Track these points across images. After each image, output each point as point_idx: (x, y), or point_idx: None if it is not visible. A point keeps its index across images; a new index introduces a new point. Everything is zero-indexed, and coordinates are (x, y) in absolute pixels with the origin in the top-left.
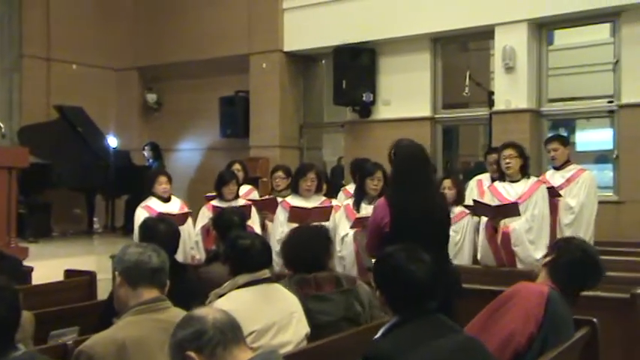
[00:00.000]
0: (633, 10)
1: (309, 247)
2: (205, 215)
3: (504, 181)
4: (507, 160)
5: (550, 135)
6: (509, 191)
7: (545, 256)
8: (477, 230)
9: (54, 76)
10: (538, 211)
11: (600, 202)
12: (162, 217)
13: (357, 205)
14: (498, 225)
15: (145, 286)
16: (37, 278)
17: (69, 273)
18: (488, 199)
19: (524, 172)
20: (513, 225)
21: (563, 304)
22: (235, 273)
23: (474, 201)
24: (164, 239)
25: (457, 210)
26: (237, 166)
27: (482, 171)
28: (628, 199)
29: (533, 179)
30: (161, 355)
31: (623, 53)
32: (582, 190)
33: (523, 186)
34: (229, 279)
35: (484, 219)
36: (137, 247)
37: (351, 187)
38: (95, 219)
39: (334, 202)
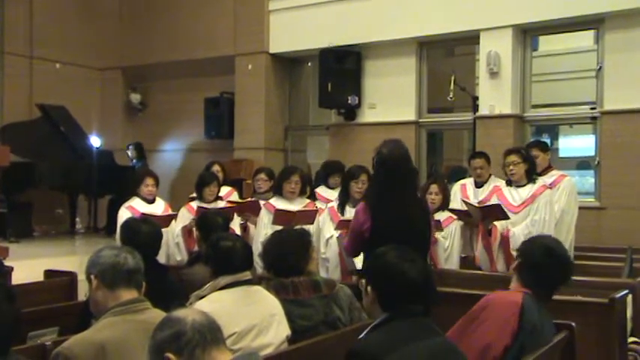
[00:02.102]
0: (617, 17)
1: (286, 252)
2: (185, 216)
3: (511, 185)
4: (511, 167)
5: (530, 141)
6: (514, 196)
7: (513, 263)
8: (461, 234)
9: (37, 75)
10: (539, 217)
11: (581, 208)
12: (144, 218)
13: (341, 208)
14: (489, 227)
15: (122, 288)
16: (17, 278)
17: (49, 273)
18: (494, 201)
19: (529, 177)
20: (513, 229)
21: (538, 310)
22: (217, 274)
23: (464, 202)
24: (146, 240)
25: (445, 215)
26: (216, 167)
27: (462, 175)
28: (609, 205)
29: (538, 184)
30: (141, 356)
31: (606, 60)
32: (563, 196)
33: (528, 191)
34: (211, 280)
35: (460, 222)
36: (111, 249)
37: (322, 190)
38: (77, 219)
39: (318, 204)
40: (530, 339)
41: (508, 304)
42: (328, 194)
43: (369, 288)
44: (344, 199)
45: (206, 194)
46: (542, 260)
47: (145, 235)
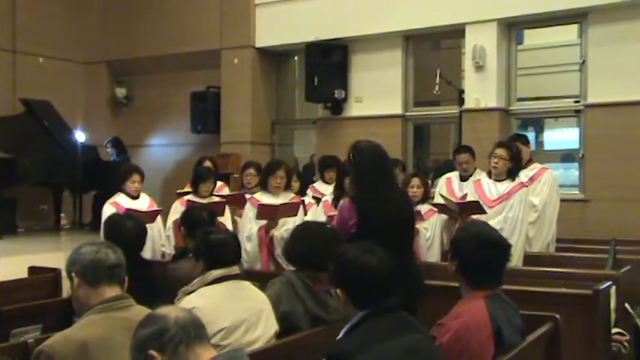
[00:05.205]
0: (600, 11)
1: (323, 246)
2: (178, 210)
3: (491, 178)
4: (496, 160)
5: (511, 135)
6: (491, 189)
7: (451, 264)
8: (445, 227)
9: (20, 69)
10: (513, 214)
11: (566, 200)
12: (128, 214)
13: (336, 203)
14: (466, 221)
15: (105, 284)
16: (1, 275)
17: (33, 270)
18: (471, 193)
19: (510, 174)
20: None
21: (502, 307)
22: (208, 268)
23: (442, 196)
24: (130, 236)
25: (426, 208)
26: (207, 163)
27: (451, 169)
28: (593, 197)
29: (516, 181)
30: (124, 354)
31: (590, 54)
32: (545, 189)
33: (505, 186)
34: (197, 276)
35: (444, 216)
36: (91, 245)
37: (319, 185)
38: (62, 215)
39: (306, 199)
40: (507, 338)
41: (478, 328)
42: (324, 189)
43: (338, 290)
44: (339, 194)
45: (202, 190)
46: (478, 254)
47: (128, 230)
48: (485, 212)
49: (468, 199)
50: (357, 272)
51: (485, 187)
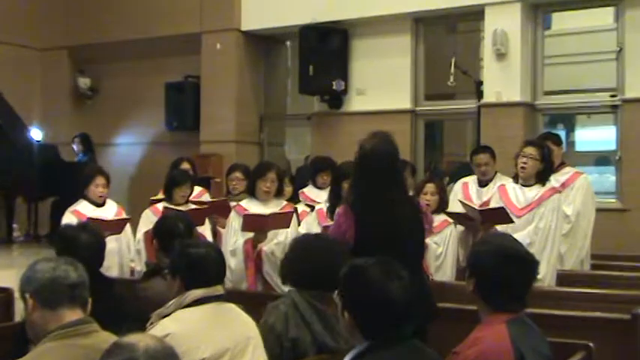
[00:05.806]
0: None
1: (328, 262)
2: (150, 219)
3: (517, 182)
4: (524, 160)
5: (541, 133)
6: (518, 196)
7: (468, 283)
8: (461, 241)
9: None
10: (544, 224)
11: (601, 210)
12: (84, 225)
13: (331, 211)
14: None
15: (65, 307)
16: None
17: None
18: (496, 200)
19: (540, 178)
20: (515, 236)
21: (526, 333)
22: (187, 287)
23: (461, 201)
24: (86, 251)
25: (439, 219)
26: (185, 165)
27: (469, 172)
28: (632, 206)
29: (547, 187)
30: None
31: (628, 40)
32: (578, 197)
33: (535, 192)
34: (173, 297)
35: (460, 227)
36: (47, 261)
37: (309, 191)
38: (15, 226)
39: (299, 207)
40: None
41: (498, 357)
42: (315, 195)
43: (345, 313)
44: (335, 202)
45: (177, 196)
46: (499, 271)
47: (84, 245)
48: (512, 221)
49: (491, 206)
50: (378, 301)
51: (511, 193)
